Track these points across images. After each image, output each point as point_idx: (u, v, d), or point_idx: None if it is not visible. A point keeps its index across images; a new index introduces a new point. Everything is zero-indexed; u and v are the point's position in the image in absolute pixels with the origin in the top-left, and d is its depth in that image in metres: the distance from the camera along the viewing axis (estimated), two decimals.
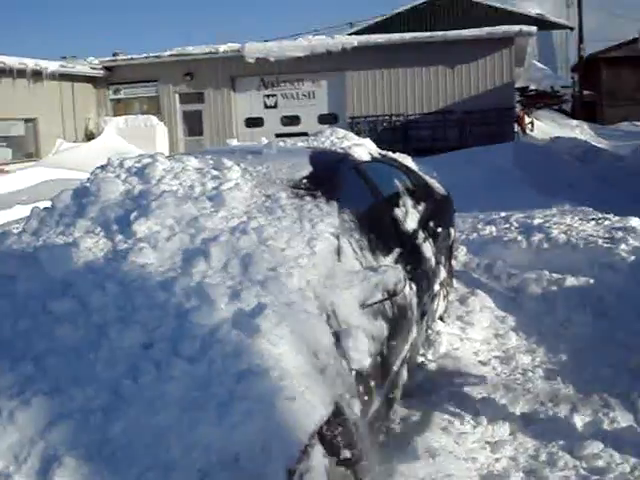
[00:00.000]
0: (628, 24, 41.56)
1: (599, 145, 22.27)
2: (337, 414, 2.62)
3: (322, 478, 2.45)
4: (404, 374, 3.96)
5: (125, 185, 3.64)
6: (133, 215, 3.25)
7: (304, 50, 23.28)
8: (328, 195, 3.64)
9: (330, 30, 32.62)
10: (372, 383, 3.10)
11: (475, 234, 8.72)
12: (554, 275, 6.66)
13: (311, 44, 23.49)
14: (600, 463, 3.67)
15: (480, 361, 5.07)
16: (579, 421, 4.12)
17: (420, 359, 4.93)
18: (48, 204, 3.74)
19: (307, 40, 24.12)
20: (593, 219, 8.67)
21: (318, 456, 2.47)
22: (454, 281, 6.48)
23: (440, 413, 4.19)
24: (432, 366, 4.94)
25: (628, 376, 4.74)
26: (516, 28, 22.42)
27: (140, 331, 2.51)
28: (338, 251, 3.28)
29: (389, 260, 3.82)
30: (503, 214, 9.83)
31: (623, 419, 4.12)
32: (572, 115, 35.66)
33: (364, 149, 4.92)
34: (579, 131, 28.98)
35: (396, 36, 23.18)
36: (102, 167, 3.98)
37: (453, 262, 6.68)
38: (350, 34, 29.26)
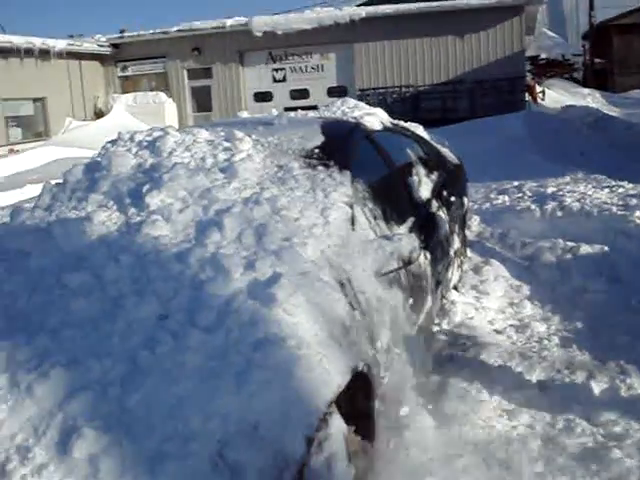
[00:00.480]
0: None
1: (611, 113, 22.04)
2: (355, 382, 2.62)
3: (340, 446, 2.45)
4: (420, 343, 3.96)
5: (136, 158, 3.63)
6: (145, 188, 3.24)
7: (311, 22, 23.10)
8: (341, 164, 3.61)
9: (338, 2, 32.33)
10: (388, 352, 3.09)
11: (488, 203, 8.68)
12: (568, 243, 6.62)
13: (319, 16, 23.30)
14: (617, 430, 3.66)
15: (495, 330, 5.05)
16: (596, 388, 4.11)
17: (435, 328, 4.92)
18: (60, 181, 3.74)
19: (315, 12, 23.95)
20: (607, 187, 8.62)
21: (337, 424, 2.47)
22: (468, 250, 6.46)
23: (456, 381, 4.18)
24: (447, 335, 4.92)
25: None
26: None
27: (156, 302, 2.51)
28: (352, 220, 3.26)
29: (403, 229, 3.79)
30: (516, 183, 9.78)
31: (639, 386, 4.10)
32: (583, 83, 35.33)
33: (376, 118, 4.89)
34: (590, 99, 28.70)
35: (404, 6, 22.91)
36: (113, 141, 3.97)
37: (467, 232, 6.65)
38: (358, 5, 28.95)
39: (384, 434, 3.35)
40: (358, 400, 2.86)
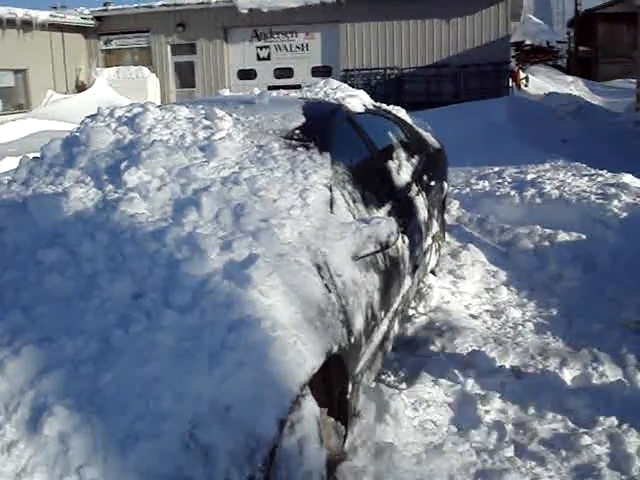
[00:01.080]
0: None
1: (593, 102, 22.14)
2: (328, 365, 2.63)
3: (313, 428, 2.46)
4: (395, 326, 3.98)
5: (115, 135, 3.59)
6: (123, 165, 3.22)
7: (298, 1, 22.95)
8: (321, 146, 3.60)
9: None
10: (364, 335, 3.10)
11: (468, 188, 8.71)
12: (546, 230, 6.66)
13: None
14: (588, 417, 3.70)
15: (471, 314, 5.09)
16: (568, 375, 4.15)
17: (411, 312, 4.95)
18: (37, 155, 3.70)
19: None
20: (586, 175, 8.66)
21: (309, 406, 2.48)
22: (446, 235, 6.48)
23: (430, 365, 4.21)
24: (423, 319, 4.94)
25: (618, 331, 4.77)
26: None
27: (130, 281, 2.49)
28: (331, 202, 3.25)
29: (382, 212, 3.79)
30: (496, 169, 9.81)
31: (612, 374, 4.14)
32: (567, 71, 35.43)
33: (358, 100, 4.87)
34: (574, 87, 28.79)
35: None
36: (92, 117, 3.93)
37: (446, 216, 6.67)
38: None
39: (358, 417, 3.38)
40: (332, 382, 2.87)
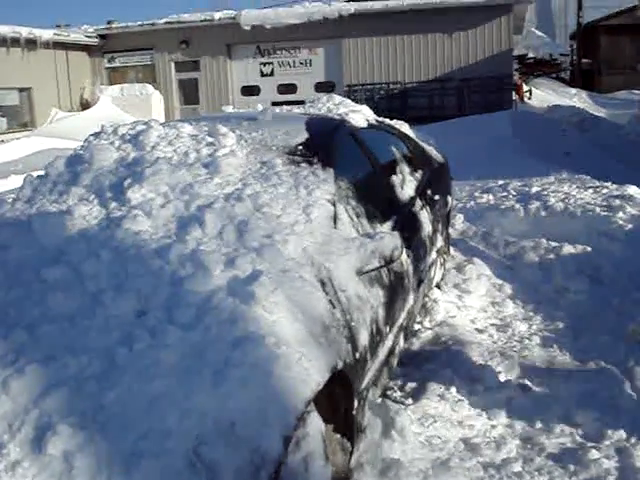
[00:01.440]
0: None
1: (597, 114, 22.15)
2: (334, 381, 2.62)
3: (319, 445, 2.45)
4: (401, 341, 3.96)
5: (119, 152, 3.60)
6: (127, 182, 3.22)
7: (300, 17, 23.08)
8: (324, 162, 3.60)
9: None
10: (369, 350, 3.09)
11: (472, 202, 8.69)
12: (551, 243, 6.64)
13: (308, 11, 23.28)
14: (596, 430, 3.68)
15: (477, 329, 5.07)
16: (575, 389, 4.13)
17: (417, 327, 4.93)
18: (42, 173, 3.71)
19: (304, 7, 23.90)
20: (591, 187, 8.64)
21: (315, 423, 2.47)
22: (451, 249, 6.47)
23: (437, 380, 4.19)
24: (429, 334, 4.93)
25: (624, 344, 4.74)
26: None
27: (134, 299, 2.49)
28: (334, 218, 3.25)
29: (386, 227, 3.79)
30: (501, 182, 9.80)
31: (619, 387, 4.12)
32: (570, 83, 35.46)
33: (361, 115, 4.88)
34: (577, 99, 28.83)
35: (394, 3, 22.91)
36: (96, 134, 3.94)
37: (450, 230, 6.66)
38: (348, 1, 28.93)
39: (364, 433, 3.37)
40: (338, 399, 2.86)
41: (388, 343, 3.53)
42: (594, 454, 3.43)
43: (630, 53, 35.54)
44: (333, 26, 22.84)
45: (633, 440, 3.54)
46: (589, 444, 3.54)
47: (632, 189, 8.20)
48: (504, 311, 5.44)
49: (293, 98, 22.54)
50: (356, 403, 2.99)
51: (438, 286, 5.57)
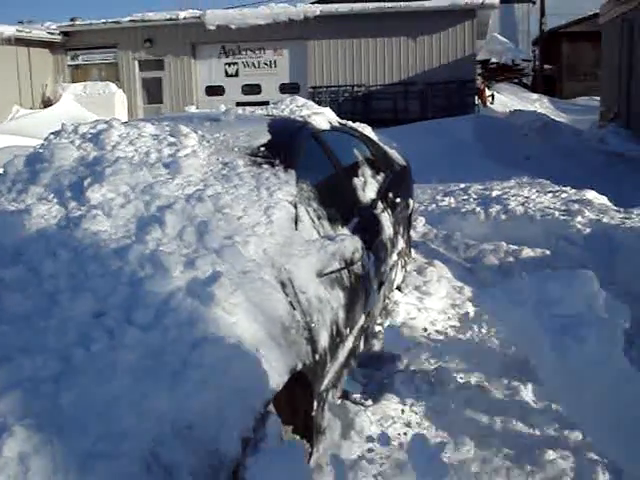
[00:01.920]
0: (589, 0, 41.73)
1: (558, 119, 22.41)
2: (293, 383, 2.63)
3: (278, 446, 2.45)
4: (361, 343, 3.98)
5: (79, 151, 3.57)
6: (87, 182, 3.20)
7: (266, 18, 23.00)
8: (286, 163, 3.61)
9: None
10: (329, 352, 3.10)
11: (434, 205, 8.78)
12: (511, 246, 6.73)
13: (273, 12, 23.21)
14: (553, 432, 3.73)
15: (437, 330, 5.10)
16: (533, 390, 4.18)
17: (377, 328, 4.96)
18: (1, 171, 3.67)
19: (269, 8, 23.82)
20: (550, 192, 8.78)
21: (274, 424, 2.47)
22: (412, 251, 6.51)
23: (397, 381, 4.22)
24: (389, 335, 4.95)
25: None
26: (479, 0, 22.36)
27: (92, 299, 2.47)
28: (295, 220, 3.26)
29: (347, 230, 3.81)
30: (462, 185, 9.91)
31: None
32: (532, 89, 35.83)
33: (324, 118, 4.89)
34: (539, 105, 29.16)
35: (359, 6, 22.97)
36: (56, 133, 3.90)
37: (412, 232, 6.71)
38: (313, 2, 28.93)
39: (323, 434, 3.38)
40: (297, 400, 2.87)
41: (348, 345, 3.54)
42: (550, 454, 3.48)
43: (591, 60, 36.01)
44: (298, 27, 22.82)
45: (588, 440, 3.59)
46: (546, 444, 3.59)
47: (590, 194, 8.36)
48: (464, 313, 5.49)
49: (257, 99, 22.46)
50: (316, 404, 3.00)
51: (399, 288, 5.61)
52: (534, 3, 38.28)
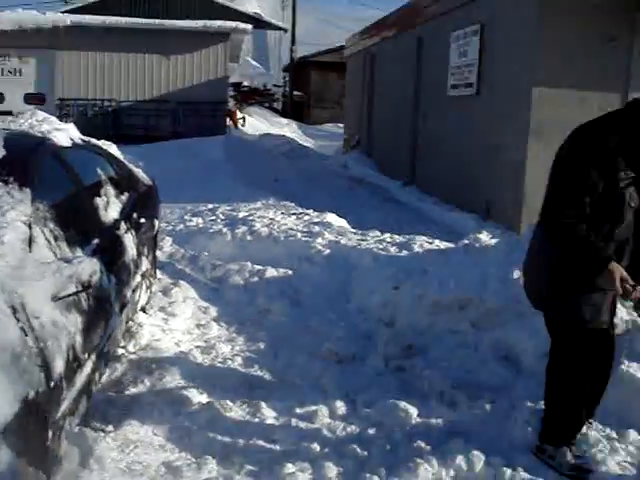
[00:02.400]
0: (337, 32, 44.11)
1: (305, 144, 23.42)
2: (25, 412, 2.52)
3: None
4: (102, 367, 3.90)
5: None
6: None
7: (11, 24, 21.73)
8: (21, 182, 3.45)
9: (43, 5, 30.89)
10: (64, 379, 3.01)
11: (182, 225, 8.81)
12: (256, 266, 6.93)
13: (19, 18, 21.99)
14: (292, 445, 3.90)
15: (181, 351, 5.11)
16: (273, 405, 4.34)
17: (120, 351, 4.87)
18: None
19: (15, 13, 22.57)
20: (294, 214, 9.15)
21: (5, 457, 2.35)
22: (158, 272, 6.48)
23: (139, 405, 4.19)
24: (133, 358, 4.89)
25: (320, 361, 5.07)
26: (232, 24, 22.77)
27: None
28: (29, 241, 3.13)
29: (87, 251, 3.71)
30: (210, 206, 10.03)
31: (313, 402, 4.40)
32: (283, 113, 37.12)
33: (65, 134, 4.74)
34: (288, 129, 30.23)
35: (112, 19, 22.44)
36: None
37: (158, 253, 6.68)
38: (64, 12, 27.85)
39: (60, 463, 3.26)
40: (30, 430, 2.75)
41: (87, 370, 3.45)
42: (289, 468, 3.63)
43: (337, 89, 37.97)
44: (47, 36, 21.80)
45: (326, 451, 3.81)
46: (285, 458, 3.73)
47: (331, 217, 8.85)
48: (209, 333, 5.57)
49: (0, 108, 21.13)
50: (51, 433, 2.89)
51: (143, 309, 5.55)
52: (286, 31, 39.74)
